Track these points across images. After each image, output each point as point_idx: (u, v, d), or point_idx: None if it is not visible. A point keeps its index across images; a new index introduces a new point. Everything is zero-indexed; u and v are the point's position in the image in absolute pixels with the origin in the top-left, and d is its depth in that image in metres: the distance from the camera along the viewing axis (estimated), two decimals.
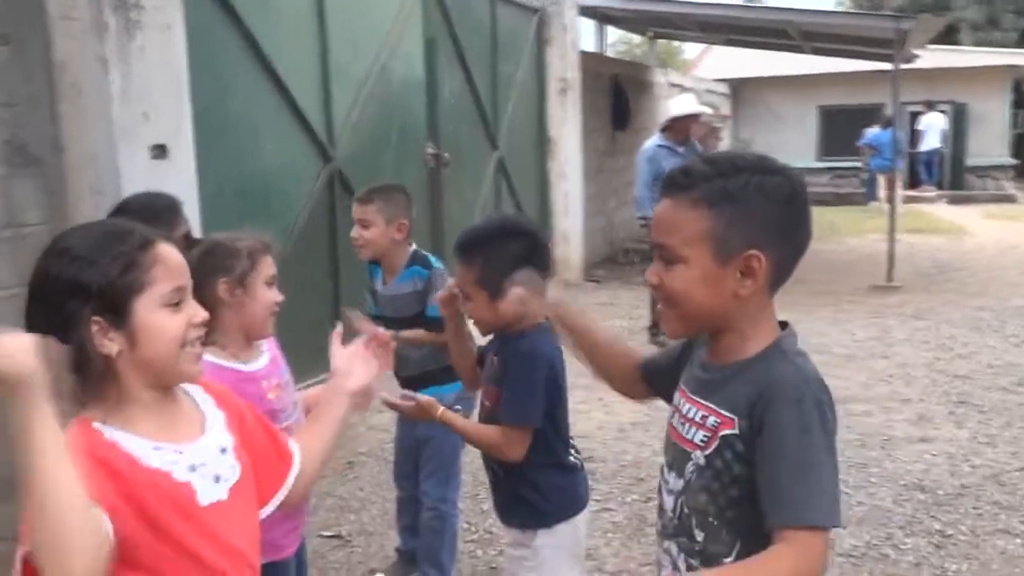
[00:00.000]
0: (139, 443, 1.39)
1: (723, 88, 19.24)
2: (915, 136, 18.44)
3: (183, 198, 4.50)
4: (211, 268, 2.13)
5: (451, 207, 7.60)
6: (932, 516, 3.98)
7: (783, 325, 1.59)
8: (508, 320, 2.25)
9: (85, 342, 1.33)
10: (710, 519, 1.54)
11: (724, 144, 15.50)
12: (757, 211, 1.48)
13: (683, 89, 15.35)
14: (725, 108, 17.79)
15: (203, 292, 2.12)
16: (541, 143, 9.61)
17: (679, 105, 7.11)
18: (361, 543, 3.89)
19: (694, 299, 1.49)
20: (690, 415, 1.57)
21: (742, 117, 20.29)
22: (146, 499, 1.36)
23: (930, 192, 18.56)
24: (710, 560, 1.54)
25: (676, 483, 1.60)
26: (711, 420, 1.53)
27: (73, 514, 1.20)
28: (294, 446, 1.67)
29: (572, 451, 2.43)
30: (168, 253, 1.44)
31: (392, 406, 2.44)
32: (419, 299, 3.22)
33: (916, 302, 8.59)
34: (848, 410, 5.41)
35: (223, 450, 1.52)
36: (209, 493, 1.46)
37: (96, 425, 1.37)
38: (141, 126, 4.27)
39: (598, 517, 4.07)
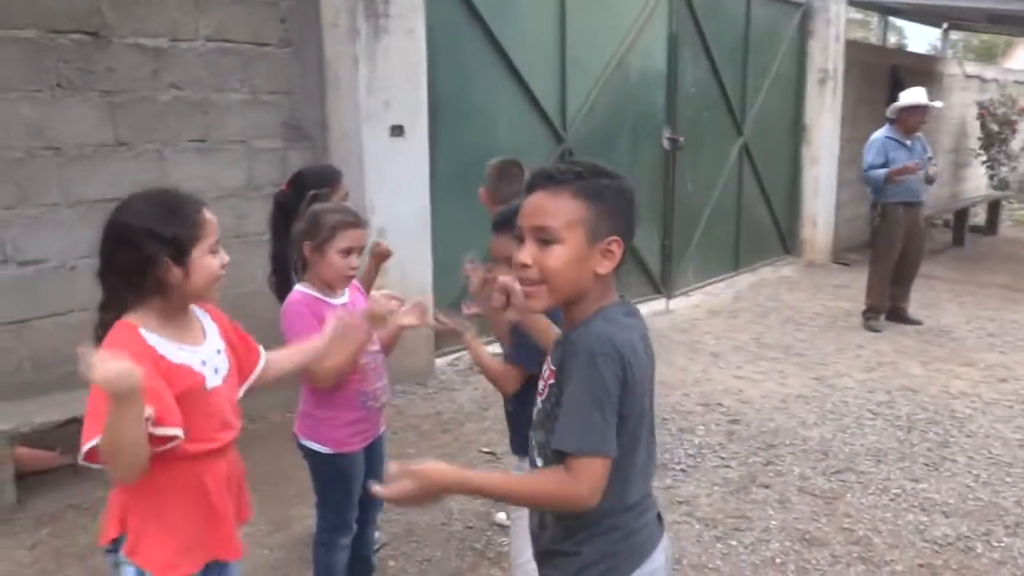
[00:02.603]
0: (168, 346, 1.83)
1: None
2: None
3: (415, 169, 5.13)
4: (304, 232, 2.55)
5: (686, 187, 7.58)
6: None
7: (621, 297, 1.67)
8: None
9: (158, 273, 1.78)
10: (547, 451, 1.68)
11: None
12: (617, 206, 1.61)
13: (982, 81, 13.64)
14: None
15: (299, 248, 2.57)
16: (796, 130, 9.16)
17: (907, 96, 6.48)
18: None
19: (566, 275, 1.59)
20: (543, 374, 1.71)
21: None
22: (174, 383, 1.80)
23: None
24: None
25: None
26: (546, 372, 1.67)
27: (137, 460, 1.67)
28: (261, 349, 2.09)
29: None
30: (210, 216, 1.88)
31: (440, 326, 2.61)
32: None
33: None
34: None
35: (218, 351, 1.94)
36: (212, 380, 1.90)
37: (141, 330, 1.81)
38: (383, 111, 4.85)
39: (711, 471, 4.06)
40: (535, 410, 1.71)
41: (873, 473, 4.03)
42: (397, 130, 4.93)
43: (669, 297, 7.53)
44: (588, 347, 1.54)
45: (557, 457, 1.57)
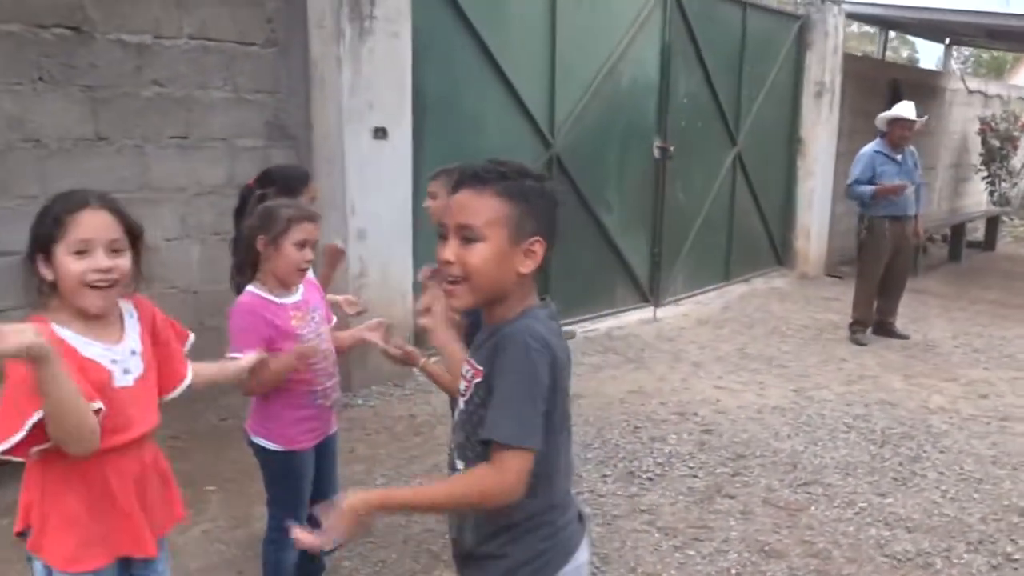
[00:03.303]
0: (78, 339, 1.84)
1: None
2: None
3: (398, 171, 5.15)
4: (257, 227, 2.57)
5: (677, 196, 7.59)
6: (1012, 539, 3.51)
7: (543, 299, 1.68)
8: None
9: (34, 269, 1.81)
10: (467, 451, 1.68)
11: None
12: (540, 208, 1.62)
13: (985, 96, 13.62)
14: None
15: (251, 244, 2.59)
16: (791, 142, 9.16)
17: (894, 109, 6.48)
18: None
19: (487, 273, 1.59)
20: (464, 374, 1.72)
21: None
22: (86, 374, 1.80)
23: None
24: None
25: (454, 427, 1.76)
26: (469, 373, 1.67)
27: (85, 419, 1.71)
28: (189, 363, 2.14)
29: None
30: (86, 217, 1.80)
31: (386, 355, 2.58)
32: None
33: None
34: (1004, 427, 4.81)
35: (133, 352, 1.94)
36: (121, 379, 1.90)
37: (52, 324, 1.82)
38: (366, 113, 4.88)
39: (678, 480, 4.07)
40: (457, 411, 1.72)
41: (840, 486, 4.02)
42: (380, 132, 4.96)
43: (657, 305, 7.53)
44: (522, 342, 1.55)
45: (483, 450, 1.58)
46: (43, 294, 1.84)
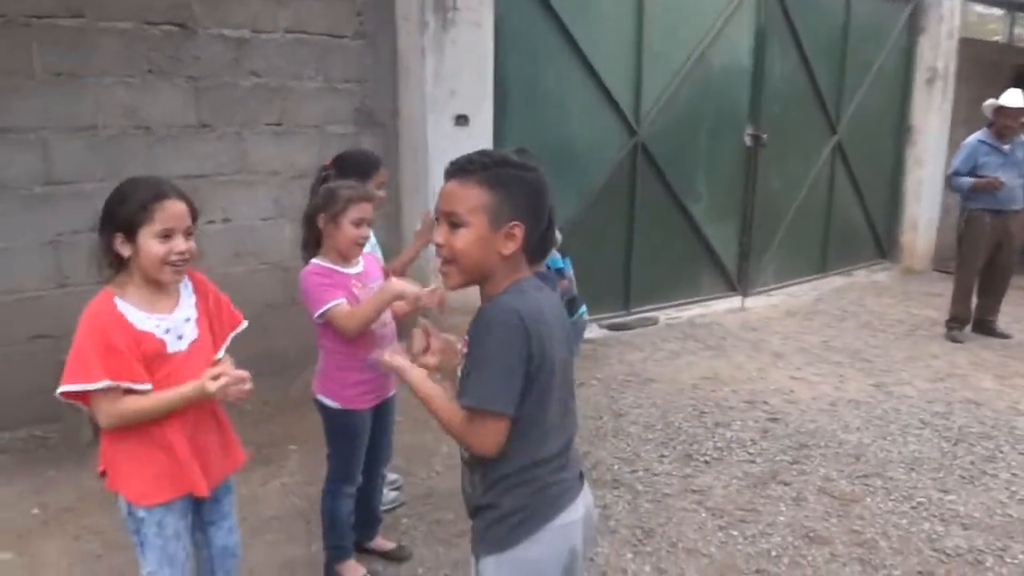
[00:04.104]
0: (136, 314, 2.12)
1: None
2: None
3: None
4: (320, 206, 2.83)
5: (769, 185, 7.51)
6: None
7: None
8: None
9: (113, 247, 2.10)
10: None
11: None
12: (518, 195, 1.77)
13: None
14: None
15: (314, 221, 2.85)
16: (900, 130, 8.86)
17: (1002, 98, 6.19)
18: None
19: (471, 255, 1.77)
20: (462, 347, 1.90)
21: None
22: (140, 347, 2.10)
23: None
24: None
25: None
26: (461, 345, 1.86)
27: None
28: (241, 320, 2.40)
29: None
30: (168, 206, 2.10)
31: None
32: None
33: None
34: None
35: (187, 319, 2.22)
36: (174, 345, 2.17)
37: (116, 299, 2.11)
38: (448, 101, 5.12)
39: (735, 464, 4.13)
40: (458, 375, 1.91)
41: (902, 481, 3.99)
42: (461, 119, 5.19)
43: (745, 295, 7.50)
44: (494, 317, 1.72)
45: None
46: (112, 268, 2.13)
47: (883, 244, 9.13)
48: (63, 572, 3.12)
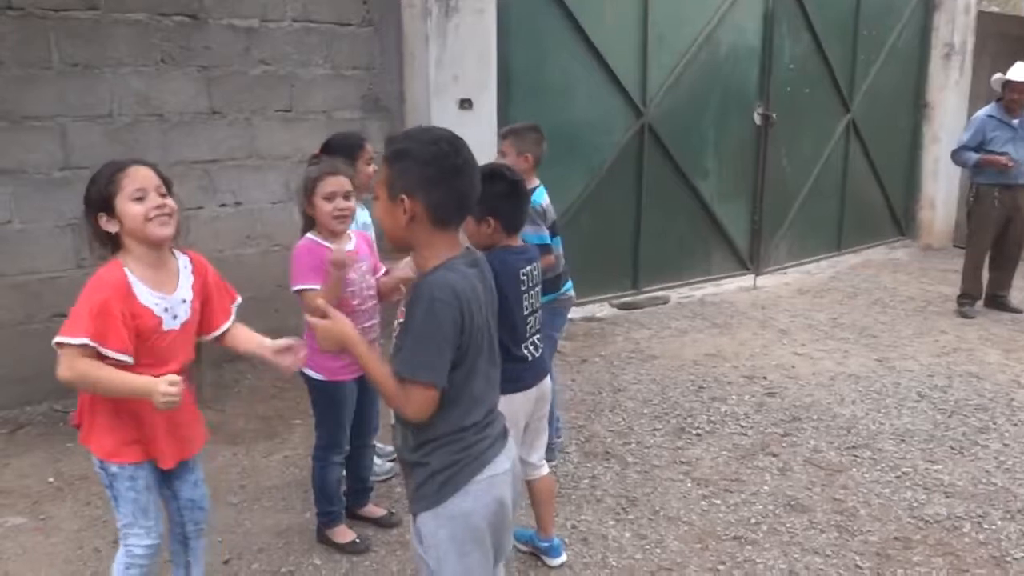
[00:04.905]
0: (141, 287, 2.26)
1: None
2: None
3: (482, 140, 5.46)
4: (300, 191, 2.96)
5: (780, 164, 7.50)
6: None
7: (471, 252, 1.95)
8: (487, 242, 2.72)
9: (99, 226, 2.24)
10: None
11: None
12: (412, 170, 1.85)
13: None
14: None
15: (301, 207, 2.99)
16: (916, 107, 8.77)
17: (1010, 72, 6.11)
18: None
19: (384, 224, 1.93)
20: (399, 315, 1.98)
21: None
22: (138, 320, 2.23)
23: None
24: None
25: None
26: (399, 314, 1.95)
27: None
28: (235, 307, 2.52)
29: (527, 347, 2.81)
30: (133, 171, 2.24)
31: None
32: None
33: None
34: None
35: (183, 300, 2.35)
36: (169, 324, 2.31)
37: (125, 268, 2.25)
38: (451, 85, 5.22)
39: (726, 437, 4.20)
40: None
41: (890, 452, 4.03)
42: (465, 103, 5.29)
43: (757, 273, 7.51)
44: (429, 292, 1.82)
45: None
46: (105, 247, 2.27)
47: (901, 221, 9.06)
48: (72, 535, 3.31)
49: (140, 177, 2.24)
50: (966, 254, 6.60)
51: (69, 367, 2.14)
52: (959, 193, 9.07)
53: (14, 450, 4.08)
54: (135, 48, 4.49)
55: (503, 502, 1.98)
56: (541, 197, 3.67)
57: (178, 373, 2.32)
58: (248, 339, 2.50)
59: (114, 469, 2.31)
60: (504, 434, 2.02)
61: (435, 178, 1.84)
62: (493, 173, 2.73)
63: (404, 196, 1.85)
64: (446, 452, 1.90)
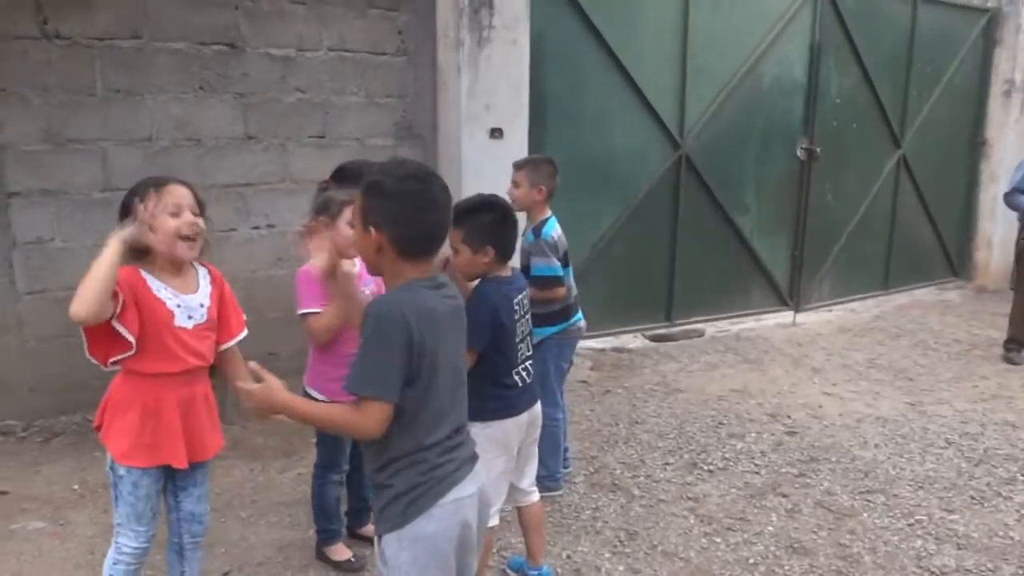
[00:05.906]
0: (155, 282, 2.43)
1: None
2: None
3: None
4: (318, 211, 3.09)
5: (824, 199, 7.43)
6: None
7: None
8: (480, 271, 2.82)
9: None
10: None
11: None
12: (381, 203, 1.96)
13: None
14: None
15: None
16: (973, 145, 8.59)
17: None
18: None
19: (359, 251, 2.06)
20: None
21: None
22: (151, 309, 2.40)
23: None
24: None
25: None
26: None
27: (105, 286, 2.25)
28: (240, 335, 2.65)
29: (518, 373, 2.87)
30: (174, 187, 2.43)
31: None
32: (523, 255, 3.74)
33: None
34: None
35: (201, 304, 2.51)
36: (181, 321, 2.47)
37: (141, 272, 2.42)
38: (483, 114, 5.34)
39: (738, 475, 4.18)
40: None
41: (906, 498, 3.96)
42: (496, 132, 5.40)
43: (797, 310, 7.43)
44: (376, 310, 1.92)
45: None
46: (134, 258, 2.41)
47: (954, 261, 8.86)
48: (86, 540, 3.48)
49: (178, 193, 2.42)
50: (1014, 298, 6.43)
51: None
52: (1017, 234, 8.84)
53: (46, 458, 4.30)
54: (175, 75, 4.73)
55: (468, 525, 2.04)
56: (552, 228, 3.75)
57: (190, 373, 2.48)
58: (235, 373, 2.61)
59: (121, 472, 2.47)
60: (473, 459, 2.09)
61: (402, 214, 1.94)
62: (487, 203, 2.84)
63: (372, 228, 1.95)
64: (410, 473, 1.97)
